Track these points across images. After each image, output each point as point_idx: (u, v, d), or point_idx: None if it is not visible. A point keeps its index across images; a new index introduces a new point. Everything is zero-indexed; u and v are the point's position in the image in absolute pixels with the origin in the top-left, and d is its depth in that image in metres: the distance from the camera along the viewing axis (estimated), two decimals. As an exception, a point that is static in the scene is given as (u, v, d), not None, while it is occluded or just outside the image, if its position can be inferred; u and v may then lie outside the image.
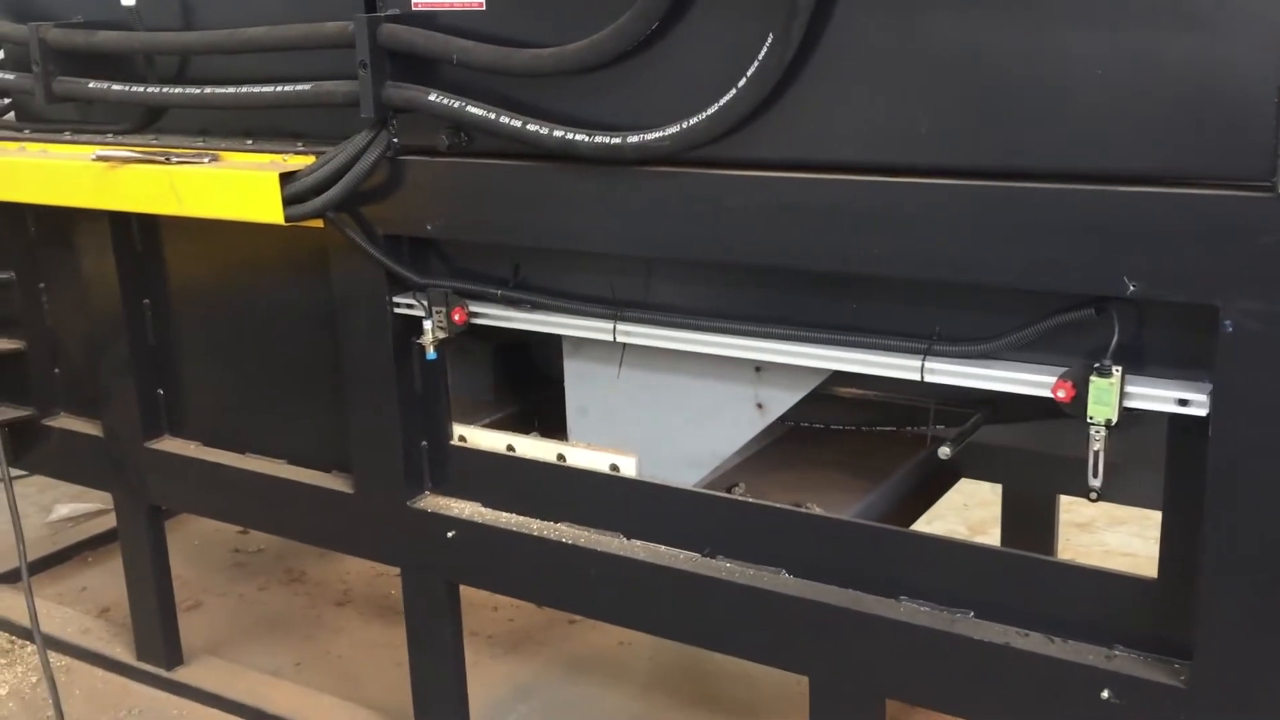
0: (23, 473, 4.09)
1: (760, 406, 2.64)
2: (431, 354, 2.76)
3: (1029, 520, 3.55)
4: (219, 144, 3.01)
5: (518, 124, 2.40)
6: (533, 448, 2.84)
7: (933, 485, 3.16)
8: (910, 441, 3.12)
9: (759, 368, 2.58)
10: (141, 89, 3.02)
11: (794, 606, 2.43)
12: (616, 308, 2.53)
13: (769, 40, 2.08)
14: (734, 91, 2.14)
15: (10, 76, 3.34)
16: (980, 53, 1.98)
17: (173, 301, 3.38)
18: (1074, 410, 2.04)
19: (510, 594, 3.01)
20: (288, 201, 2.72)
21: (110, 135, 3.23)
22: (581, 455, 2.77)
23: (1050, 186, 1.97)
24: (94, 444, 3.59)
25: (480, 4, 2.46)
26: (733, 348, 2.42)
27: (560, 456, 2.79)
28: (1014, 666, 2.20)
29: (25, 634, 3.99)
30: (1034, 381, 2.11)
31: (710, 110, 2.18)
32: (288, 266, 3.10)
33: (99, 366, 3.47)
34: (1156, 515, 2.18)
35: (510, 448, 2.86)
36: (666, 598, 2.59)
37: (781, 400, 2.61)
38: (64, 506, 5.15)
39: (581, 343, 2.72)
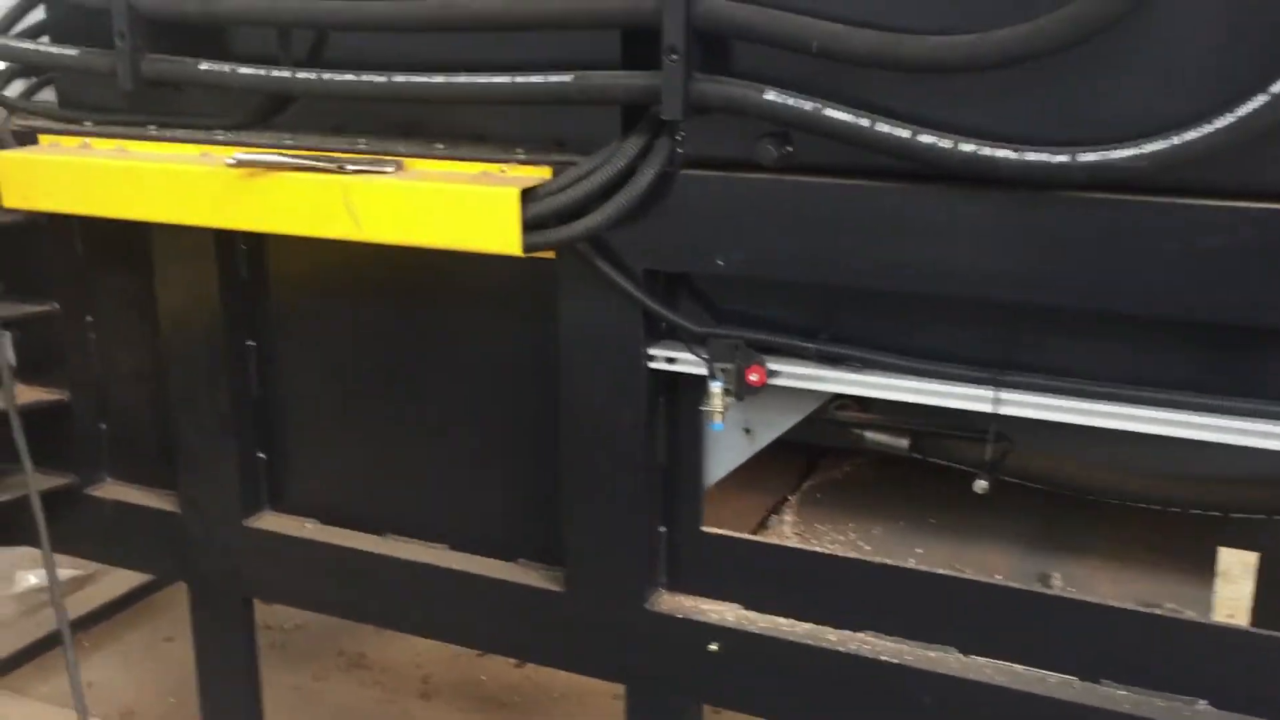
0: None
1: (748, 432, 2.29)
2: (718, 424, 2.16)
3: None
4: (367, 144, 2.35)
5: (904, 134, 1.83)
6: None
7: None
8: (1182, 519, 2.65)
9: None
10: (287, 74, 2.32)
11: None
12: (994, 370, 1.98)
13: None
14: (1266, 97, 1.63)
15: (71, 52, 2.58)
16: None
17: (285, 342, 2.68)
18: None
19: (798, 724, 2.42)
20: (527, 227, 2.10)
21: (220, 132, 2.51)
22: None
23: None
24: (161, 520, 2.84)
25: (835, -26, 1.88)
26: (1172, 424, 1.89)
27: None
28: None
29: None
30: None
31: (1222, 121, 1.65)
32: (466, 300, 2.46)
33: (181, 423, 2.73)
34: None
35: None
36: (1040, 734, 2.07)
37: (772, 426, 2.28)
38: (30, 574, 4.28)
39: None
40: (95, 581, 4.18)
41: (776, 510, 2.66)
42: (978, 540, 2.52)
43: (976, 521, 2.59)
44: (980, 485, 2.33)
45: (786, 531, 2.55)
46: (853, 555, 2.28)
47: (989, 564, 2.40)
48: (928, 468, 2.76)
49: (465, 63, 2.18)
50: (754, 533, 2.51)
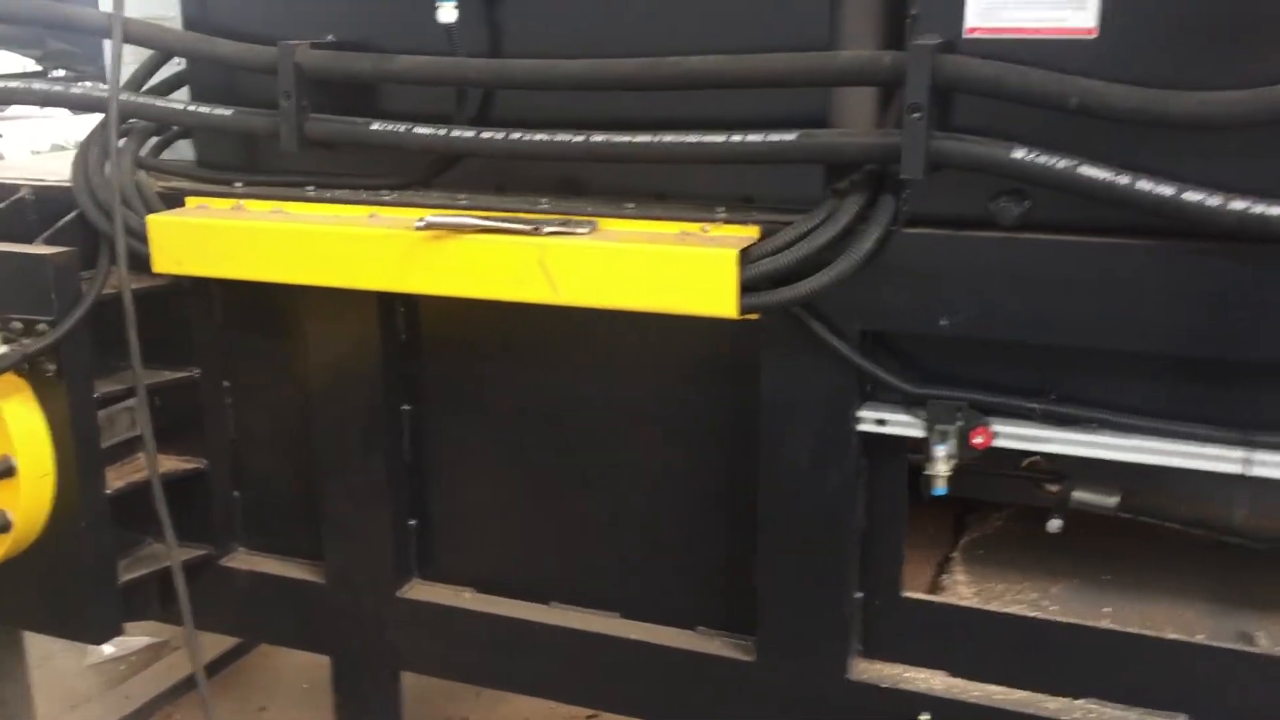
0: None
1: None
2: (941, 489, 2.11)
3: None
4: (549, 204, 2.31)
5: (1167, 191, 1.79)
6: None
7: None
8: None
9: None
10: (470, 133, 2.26)
11: None
12: (1245, 430, 1.94)
13: None
14: None
15: (225, 113, 2.51)
16: None
17: (440, 405, 2.60)
18: None
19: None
20: (743, 288, 2.05)
21: (387, 192, 2.45)
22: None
23: None
24: (302, 590, 2.74)
25: (1089, 30, 1.85)
26: None
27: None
28: None
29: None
30: None
31: None
32: (638, 359, 2.40)
33: (330, 490, 2.64)
34: None
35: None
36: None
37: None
38: (106, 644, 4.14)
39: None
40: (174, 649, 4.05)
41: (944, 569, 2.61)
42: (1160, 596, 2.46)
43: (1152, 576, 2.54)
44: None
45: (964, 592, 2.48)
46: (1063, 619, 2.22)
47: (1184, 622, 2.35)
48: (1079, 520, 2.72)
49: (625, 120, 2.14)
50: (930, 593, 2.45)
